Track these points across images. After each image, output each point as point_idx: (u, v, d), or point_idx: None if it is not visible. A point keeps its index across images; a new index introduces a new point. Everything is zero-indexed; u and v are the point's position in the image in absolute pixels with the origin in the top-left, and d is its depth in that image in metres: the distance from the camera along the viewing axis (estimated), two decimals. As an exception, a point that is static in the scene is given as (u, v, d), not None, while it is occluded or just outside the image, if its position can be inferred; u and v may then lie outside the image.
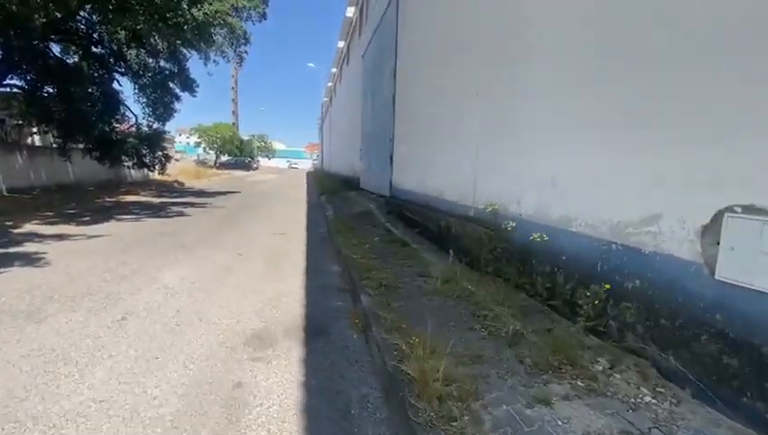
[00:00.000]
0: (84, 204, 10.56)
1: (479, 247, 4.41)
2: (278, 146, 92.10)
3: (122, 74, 14.95)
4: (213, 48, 14.55)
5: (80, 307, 3.48)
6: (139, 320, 3.26)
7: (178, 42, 12.10)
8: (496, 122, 4.59)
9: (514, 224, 3.89)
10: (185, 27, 10.43)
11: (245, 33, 12.91)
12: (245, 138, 68.02)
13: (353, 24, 18.52)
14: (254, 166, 55.20)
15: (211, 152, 56.51)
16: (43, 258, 5.02)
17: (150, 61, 14.61)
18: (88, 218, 8.41)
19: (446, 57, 6.27)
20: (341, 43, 21.92)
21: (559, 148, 3.36)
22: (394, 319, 2.98)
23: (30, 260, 4.89)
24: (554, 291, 3.26)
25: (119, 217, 8.71)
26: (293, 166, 77.18)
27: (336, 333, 3.21)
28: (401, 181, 8.70)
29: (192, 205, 11.30)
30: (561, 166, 3.32)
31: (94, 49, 14.00)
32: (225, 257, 5.52)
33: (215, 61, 15.69)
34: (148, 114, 16.57)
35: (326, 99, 38.61)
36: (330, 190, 16.55)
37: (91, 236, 6.49)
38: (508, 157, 4.28)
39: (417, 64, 7.73)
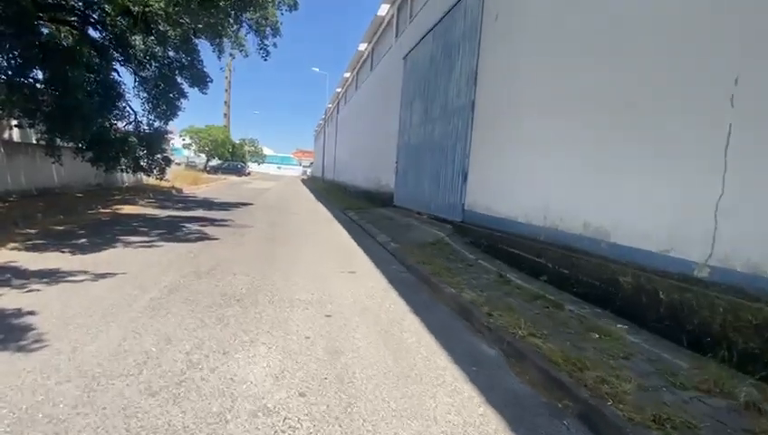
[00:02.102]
0: (75, 216, 8.45)
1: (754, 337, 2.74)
2: (266, 151, 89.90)
3: (124, 64, 12.93)
4: (231, 38, 12.70)
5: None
6: None
7: (199, 26, 10.19)
8: None
9: None
10: (220, 4, 8.49)
11: (277, 22, 11.08)
12: (236, 141, 65.92)
13: (383, 25, 16.96)
14: (247, 171, 53.14)
15: (201, 155, 53.99)
16: (31, 329, 3.08)
17: (157, 49, 12.61)
18: (84, 241, 6.38)
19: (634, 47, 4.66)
20: (363, 46, 20.32)
21: None
22: None
23: (7, 337, 2.95)
24: None
25: (124, 238, 6.71)
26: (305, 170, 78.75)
27: None
28: (488, 205, 7.00)
29: (209, 222, 9.31)
30: None
31: (92, 32, 11.98)
32: (308, 320, 3.70)
33: (231, 54, 13.86)
34: (149, 111, 14.55)
35: (330, 105, 36.91)
36: (353, 206, 14.77)
37: (96, 277, 4.52)
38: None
39: (540, 65, 6.08)
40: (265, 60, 11.82)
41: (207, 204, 13.50)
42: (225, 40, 13.24)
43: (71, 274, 4.57)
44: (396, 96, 13.52)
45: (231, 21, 10.55)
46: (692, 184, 3.55)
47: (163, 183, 17.48)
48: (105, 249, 5.89)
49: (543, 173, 5.57)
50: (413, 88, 11.55)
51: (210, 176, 32.68)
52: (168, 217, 9.71)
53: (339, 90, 30.42)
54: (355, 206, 14.90)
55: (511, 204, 6.31)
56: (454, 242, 7.37)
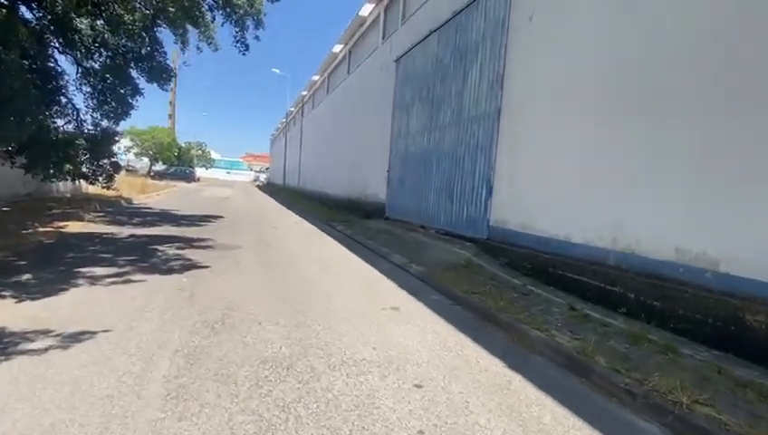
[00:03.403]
0: (8, 239, 6.56)
1: None
2: (213, 155, 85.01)
3: (64, 51, 10.82)
4: (201, 28, 11.10)
5: None
6: None
7: (170, 9, 8.62)
8: None
9: None
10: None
11: (261, 11, 9.73)
12: (183, 145, 61.63)
13: (364, 26, 16.04)
14: (196, 177, 49.55)
15: (144, 159, 49.37)
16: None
17: (108, 36, 10.68)
18: (29, 277, 4.76)
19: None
20: (338, 48, 19.22)
21: None
22: None
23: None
24: None
25: (85, 271, 5.15)
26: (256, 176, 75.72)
27: None
28: (526, 223, 6.33)
29: (185, 242, 7.78)
30: None
31: (24, 10, 9.86)
32: (399, 397, 2.73)
33: (198, 47, 12.16)
34: (94, 108, 12.45)
35: (293, 108, 35.21)
36: (337, 218, 13.65)
37: (66, 340, 3.14)
38: None
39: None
40: (244, 54, 10.42)
41: (171, 218, 11.65)
42: (191, 30, 11.62)
43: (23, 338, 3.14)
44: (384, 101, 12.67)
45: (207, 7, 9.08)
46: None
47: (108, 192, 15.12)
48: (64, 290, 4.37)
49: (610, 188, 4.98)
50: (410, 93, 10.77)
51: (157, 183, 29.49)
52: (132, 236, 8.00)
53: (304, 93, 28.94)
54: (339, 218, 13.75)
55: (559, 222, 5.68)
56: (486, 263, 6.62)
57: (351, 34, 17.37)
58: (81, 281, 4.72)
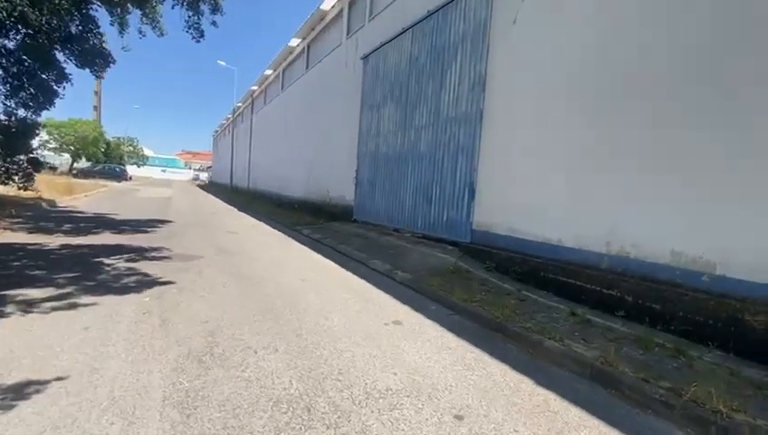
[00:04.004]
0: None
1: None
2: (146, 152, 78.30)
3: (-33, 25, 9.03)
4: (145, 8, 9.84)
5: None
6: None
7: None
8: None
9: None
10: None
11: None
12: (111, 140, 56.09)
13: (325, 20, 15.37)
14: (128, 176, 45.22)
15: (64, 155, 43.96)
16: None
17: (28, 11, 9.07)
18: (-65, 306, 3.72)
19: None
20: (295, 42, 18.26)
21: None
22: None
23: None
24: None
25: (16, 294, 4.16)
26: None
27: None
28: (513, 226, 6.29)
29: (136, 252, 6.77)
30: None
31: None
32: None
33: (140, 31, 10.78)
34: (8, 94, 10.69)
35: (241, 104, 33.25)
36: (300, 221, 12.96)
37: (3, 399, 2.40)
38: None
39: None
40: (198, 41, 9.39)
41: (109, 223, 10.21)
42: (132, 9, 10.29)
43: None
44: (350, 99, 12.21)
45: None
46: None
47: (24, 193, 13.01)
48: (-11, 323, 3.45)
49: (602, 190, 5.05)
50: (381, 91, 10.43)
51: (83, 182, 26.17)
52: (66, 247, 6.78)
53: (255, 87, 27.34)
54: (302, 221, 13.04)
55: (551, 225, 5.69)
56: (473, 268, 6.49)
57: (311, 28, 16.61)
58: (10, 309, 3.78)
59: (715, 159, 4.03)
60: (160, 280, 5.19)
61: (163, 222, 11.21)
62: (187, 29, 9.26)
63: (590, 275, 5.03)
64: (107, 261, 5.97)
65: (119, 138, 66.98)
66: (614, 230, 4.88)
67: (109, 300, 4.27)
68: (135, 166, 67.21)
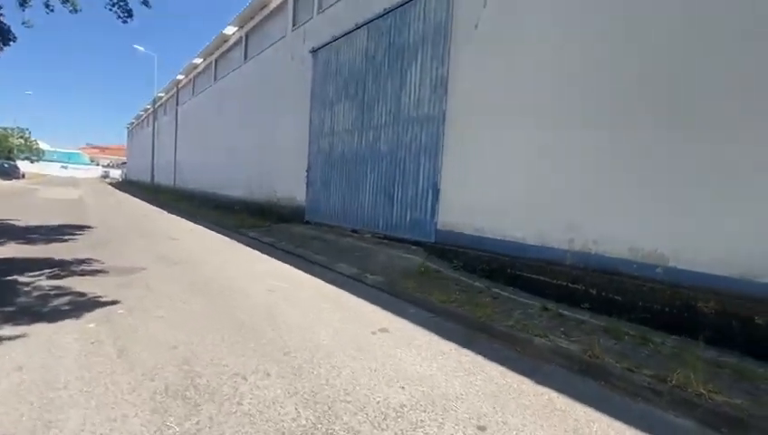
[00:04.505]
0: None
1: None
2: (42, 145, 68.10)
3: None
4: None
5: None
6: None
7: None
8: None
9: None
10: None
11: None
12: (-3, 131, 48.20)
13: (266, 9, 14.41)
14: (21, 173, 39.03)
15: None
16: None
17: None
18: None
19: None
20: (231, 30, 16.90)
21: None
22: None
23: None
24: None
25: None
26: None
27: None
28: (478, 226, 6.48)
29: (59, 267, 5.71)
30: None
31: None
32: None
33: (48, 5, 9.13)
34: None
35: (163, 94, 30.18)
36: (245, 223, 12.12)
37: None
38: None
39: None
40: (125, 22, 8.20)
41: (11, 231, 8.55)
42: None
43: None
44: (298, 95, 11.66)
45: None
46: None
47: None
48: None
49: (564, 190, 5.39)
50: (334, 88, 10.09)
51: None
52: (-42, 264, 5.50)
53: (181, 77, 24.93)
54: (246, 223, 12.17)
55: (516, 224, 5.95)
56: (442, 268, 6.56)
57: (250, 17, 15.53)
58: None
59: (669, 161, 4.49)
60: (101, 299, 4.42)
61: (82, 228, 9.71)
62: (110, 6, 8.03)
63: (556, 270, 5.35)
64: (23, 279, 4.95)
65: (5, 128, 57.50)
66: (574, 228, 5.24)
67: (40, 329, 3.51)
68: (27, 161, 58.31)
